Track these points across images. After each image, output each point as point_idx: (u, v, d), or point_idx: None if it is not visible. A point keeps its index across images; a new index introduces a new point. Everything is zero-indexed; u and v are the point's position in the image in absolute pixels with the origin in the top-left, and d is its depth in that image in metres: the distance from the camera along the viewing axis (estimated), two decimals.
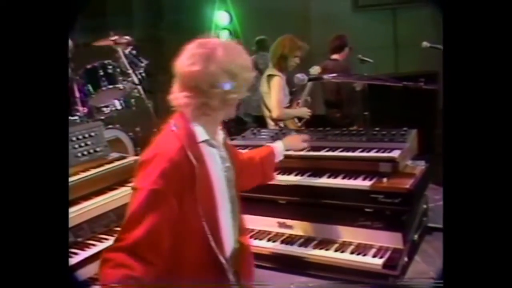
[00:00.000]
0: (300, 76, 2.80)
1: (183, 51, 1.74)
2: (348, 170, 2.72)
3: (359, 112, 5.59)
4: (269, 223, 2.86)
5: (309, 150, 2.82)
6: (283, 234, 2.79)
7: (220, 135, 1.92)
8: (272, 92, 4.02)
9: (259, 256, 2.73)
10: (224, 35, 6.39)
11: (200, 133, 1.77)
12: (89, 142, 3.03)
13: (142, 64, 4.90)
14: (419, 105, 5.57)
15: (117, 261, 1.55)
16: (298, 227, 2.80)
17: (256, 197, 2.85)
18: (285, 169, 2.84)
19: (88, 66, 4.27)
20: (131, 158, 3.16)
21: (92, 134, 3.07)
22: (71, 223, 2.50)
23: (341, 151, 2.81)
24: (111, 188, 2.88)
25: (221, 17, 6.33)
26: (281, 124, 4.04)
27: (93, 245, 2.61)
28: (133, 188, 1.68)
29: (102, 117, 4.47)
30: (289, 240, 2.74)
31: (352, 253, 2.55)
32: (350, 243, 2.63)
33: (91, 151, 3.03)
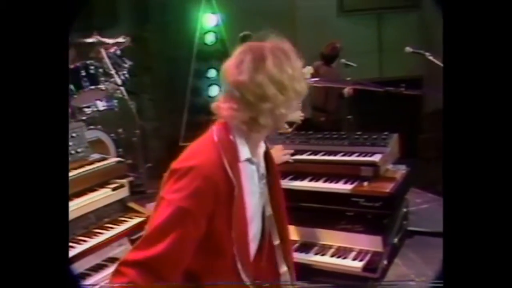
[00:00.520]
0: None
1: (233, 55, 1.57)
2: (330, 174, 2.73)
3: (344, 116, 5.67)
4: None
5: (292, 154, 2.82)
6: None
7: (262, 147, 1.72)
8: None
9: None
10: (210, 37, 6.37)
11: (243, 150, 1.58)
12: (70, 143, 3.00)
13: (126, 65, 4.87)
14: (403, 110, 5.64)
15: (130, 279, 1.45)
16: None
17: None
18: None
19: (71, 66, 4.24)
20: (112, 160, 3.13)
21: (74, 135, 3.04)
22: None
23: (323, 155, 2.82)
24: (91, 189, 2.86)
25: (207, 19, 6.32)
26: None
27: (72, 247, 2.58)
28: (161, 198, 1.52)
29: (84, 118, 4.44)
30: None
31: (332, 256, 2.56)
32: (330, 246, 2.64)
33: (72, 152, 3.00)
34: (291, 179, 2.79)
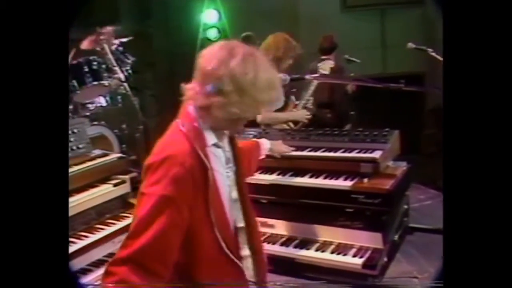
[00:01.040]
0: (282, 76, 2.78)
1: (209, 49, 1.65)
2: (330, 170, 2.74)
3: (347, 112, 5.65)
4: None
5: (292, 150, 2.82)
6: (264, 234, 2.80)
7: (226, 133, 1.80)
8: None
9: None
10: (212, 33, 6.37)
11: (209, 135, 1.67)
12: (71, 139, 3.01)
13: (129, 61, 4.86)
14: (406, 106, 5.62)
15: (120, 277, 1.47)
16: (280, 227, 2.80)
17: None
18: (267, 169, 2.85)
19: (73, 62, 4.23)
20: (113, 156, 3.15)
21: (75, 130, 3.06)
22: None
23: (323, 151, 2.82)
24: (92, 185, 2.87)
25: (209, 15, 6.32)
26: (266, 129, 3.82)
27: (73, 242, 2.60)
28: (141, 194, 1.57)
29: (87, 114, 4.44)
30: (271, 240, 2.75)
31: (332, 252, 2.57)
32: (330, 243, 2.64)
33: (74, 147, 3.01)
34: (291, 176, 2.79)
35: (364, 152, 2.71)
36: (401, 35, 5.90)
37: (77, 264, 2.53)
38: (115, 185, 2.91)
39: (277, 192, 2.79)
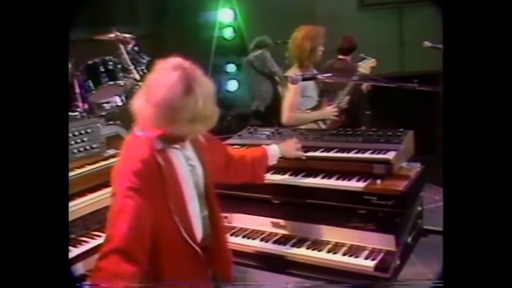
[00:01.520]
0: (293, 75, 2.77)
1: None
2: (343, 171, 2.70)
3: (363, 112, 5.60)
4: (262, 223, 2.85)
5: (305, 151, 2.81)
6: (276, 234, 2.78)
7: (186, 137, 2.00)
8: (287, 94, 3.72)
9: (252, 256, 2.74)
10: (228, 32, 6.37)
11: (160, 139, 1.88)
12: (85, 139, 3.05)
13: (144, 61, 4.89)
14: (422, 105, 5.54)
15: (109, 271, 1.64)
16: (292, 227, 2.79)
17: (250, 197, 2.86)
18: (280, 169, 2.83)
19: (89, 62, 4.28)
20: None
21: (89, 130, 3.09)
22: None
23: (336, 152, 2.79)
24: (105, 185, 2.89)
25: (225, 14, 6.32)
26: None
27: (86, 242, 2.63)
28: (112, 195, 1.82)
29: (103, 113, 4.48)
30: (282, 240, 2.73)
31: (344, 254, 2.53)
32: (343, 245, 2.61)
33: (87, 147, 3.04)
34: (303, 176, 2.77)
35: (378, 153, 2.68)
36: (419, 34, 5.83)
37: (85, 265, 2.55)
38: None
39: (289, 192, 2.77)
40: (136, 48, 4.83)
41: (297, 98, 3.70)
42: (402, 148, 2.71)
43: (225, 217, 2.92)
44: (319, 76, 2.93)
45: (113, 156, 3.08)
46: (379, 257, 2.46)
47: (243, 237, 2.79)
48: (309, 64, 3.74)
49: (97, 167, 2.92)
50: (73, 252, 2.55)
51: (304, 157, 2.76)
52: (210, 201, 2.09)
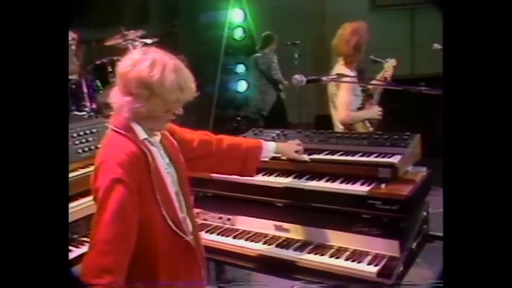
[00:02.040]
0: (298, 77, 2.73)
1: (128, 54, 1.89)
2: (347, 175, 2.67)
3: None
4: (265, 226, 2.82)
5: (309, 153, 2.78)
6: (279, 237, 2.76)
7: (157, 135, 2.03)
8: (340, 92, 3.68)
9: (254, 259, 2.71)
10: (238, 33, 6.36)
11: (139, 131, 1.88)
12: (90, 139, 3.05)
13: None
14: (431, 107, 5.47)
15: (93, 265, 1.68)
16: (295, 231, 2.76)
17: (253, 199, 2.84)
18: (283, 172, 2.81)
19: (97, 62, 4.30)
20: None
21: (94, 130, 3.10)
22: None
23: (341, 155, 2.76)
24: None
25: (235, 14, 6.32)
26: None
27: (89, 242, 2.62)
28: (95, 190, 1.79)
29: (111, 113, 4.49)
30: (285, 244, 2.70)
31: (347, 259, 2.49)
32: (346, 249, 2.57)
33: (92, 147, 3.05)
34: (307, 179, 2.74)
35: (383, 157, 2.64)
36: (430, 35, 5.76)
37: None
38: None
39: (293, 195, 2.74)
40: None
41: (351, 96, 3.67)
42: (408, 152, 2.66)
43: (228, 219, 2.91)
44: (323, 78, 2.89)
45: None
46: (382, 263, 2.42)
47: (246, 239, 2.77)
48: (355, 60, 3.72)
49: None
50: (75, 252, 2.55)
51: (307, 159, 2.73)
52: (187, 201, 2.11)
